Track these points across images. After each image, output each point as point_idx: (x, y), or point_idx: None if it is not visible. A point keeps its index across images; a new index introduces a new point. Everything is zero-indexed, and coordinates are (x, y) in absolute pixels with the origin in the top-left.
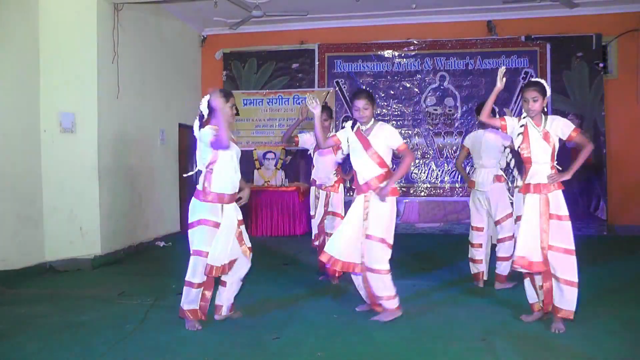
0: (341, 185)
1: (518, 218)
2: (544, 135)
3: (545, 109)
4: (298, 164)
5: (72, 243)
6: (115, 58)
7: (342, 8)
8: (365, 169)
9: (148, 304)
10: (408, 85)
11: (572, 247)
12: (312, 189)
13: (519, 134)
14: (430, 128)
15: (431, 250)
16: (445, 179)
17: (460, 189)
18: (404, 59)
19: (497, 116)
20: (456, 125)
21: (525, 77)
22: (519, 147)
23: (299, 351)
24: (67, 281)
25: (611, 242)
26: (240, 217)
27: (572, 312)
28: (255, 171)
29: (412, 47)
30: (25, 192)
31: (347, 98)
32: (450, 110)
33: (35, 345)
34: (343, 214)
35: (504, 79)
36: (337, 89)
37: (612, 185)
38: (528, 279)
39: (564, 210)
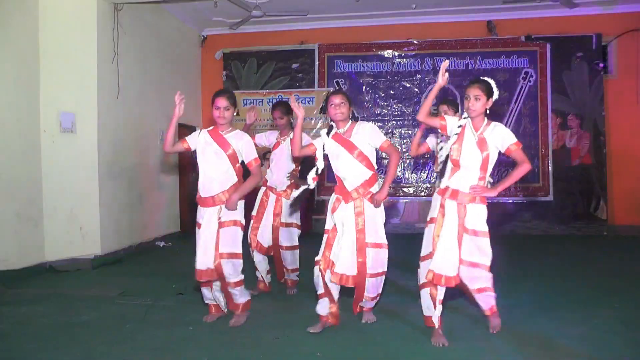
0: (294, 191)
1: (431, 220)
2: (478, 141)
3: (488, 112)
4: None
5: (72, 243)
6: (115, 58)
7: (342, 8)
8: (352, 174)
9: (148, 304)
10: (408, 85)
11: (486, 262)
12: (262, 188)
13: (454, 134)
14: (430, 128)
15: None
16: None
17: None
18: (404, 59)
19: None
20: None
21: (526, 77)
22: (450, 147)
23: (299, 351)
24: (67, 281)
25: (611, 242)
26: (228, 217)
27: (494, 306)
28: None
29: (412, 47)
30: (25, 192)
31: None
32: None
33: (35, 345)
34: (299, 223)
35: (447, 75)
36: (337, 89)
37: (612, 185)
38: (427, 289)
39: (481, 226)
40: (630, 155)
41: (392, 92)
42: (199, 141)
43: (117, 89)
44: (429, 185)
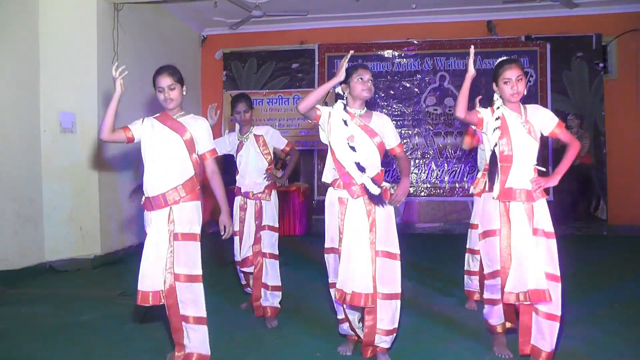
0: (274, 192)
1: (490, 233)
2: (528, 127)
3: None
4: (298, 164)
5: (72, 243)
6: (115, 58)
7: (342, 8)
8: (370, 164)
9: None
10: (408, 85)
11: (558, 272)
12: (237, 198)
13: (495, 129)
14: (430, 128)
15: (431, 250)
16: (445, 179)
17: (460, 189)
18: (404, 59)
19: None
20: (456, 125)
21: (526, 77)
22: (495, 144)
23: (298, 351)
24: (67, 281)
25: (611, 242)
26: (185, 229)
27: (553, 351)
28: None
29: (412, 47)
30: (25, 192)
31: None
32: (450, 110)
33: (35, 345)
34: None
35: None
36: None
37: (612, 185)
38: (501, 305)
39: (550, 226)
40: (631, 155)
41: (392, 92)
42: (145, 130)
43: None
44: (429, 185)
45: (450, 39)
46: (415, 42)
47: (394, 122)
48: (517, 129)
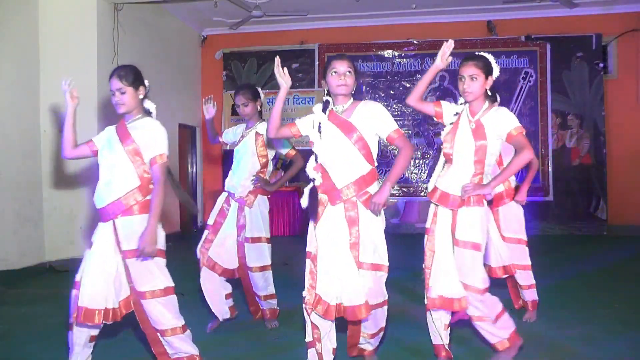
0: (260, 198)
1: (426, 231)
2: (475, 128)
3: (489, 95)
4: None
5: (72, 243)
6: (115, 58)
7: (342, 8)
8: (345, 166)
9: None
10: (408, 85)
11: (480, 285)
12: (223, 194)
13: (450, 123)
14: (431, 128)
15: None
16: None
17: None
18: (404, 59)
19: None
20: None
21: (525, 77)
22: (442, 138)
23: (298, 351)
24: (67, 281)
25: (611, 242)
26: (130, 246)
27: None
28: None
29: (412, 47)
30: (25, 192)
31: None
32: None
33: (36, 345)
34: (269, 236)
35: (450, 59)
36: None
37: (612, 185)
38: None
39: (475, 236)
40: (630, 155)
41: (392, 92)
42: (102, 139)
43: None
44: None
45: (450, 39)
46: (415, 42)
47: None
48: (464, 129)
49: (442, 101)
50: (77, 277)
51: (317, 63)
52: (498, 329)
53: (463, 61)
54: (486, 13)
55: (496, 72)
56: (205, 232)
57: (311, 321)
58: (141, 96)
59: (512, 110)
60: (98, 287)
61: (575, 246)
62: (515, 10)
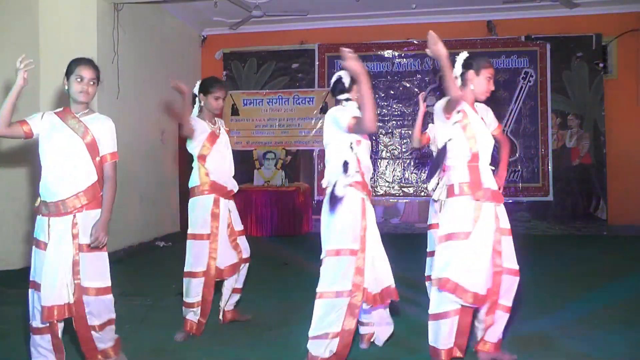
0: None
1: (451, 236)
2: (485, 125)
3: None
4: (298, 164)
5: None
6: (115, 58)
7: (342, 8)
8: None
9: (148, 304)
10: (408, 85)
11: (517, 266)
12: (209, 197)
13: (455, 123)
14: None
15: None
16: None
17: None
18: (404, 59)
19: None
20: None
21: (525, 77)
22: (463, 138)
23: (298, 351)
24: None
25: (611, 242)
26: (86, 240)
27: (500, 340)
28: (255, 171)
29: (412, 47)
30: (25, 192)
31: None
32: None
33: None
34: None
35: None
36: None
37: (612, 185)
38: (457, 317)
39: (508, 223)
40: (630, 155)
41: (392, 92)
42: (43, 126)
43: (117, 89)
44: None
45: (450, 39)
46: (415, 42)
47: (393, 122)
48: (480, 126)
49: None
50: (32, 277)
51: (317, 63)
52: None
53: (484, 62)
54: (486, 13)
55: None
56: (207, 242)
57: (347, 312)
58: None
59: (512, 110)
60: (54, 284)
61: (575, 246)
62: (515, 10)
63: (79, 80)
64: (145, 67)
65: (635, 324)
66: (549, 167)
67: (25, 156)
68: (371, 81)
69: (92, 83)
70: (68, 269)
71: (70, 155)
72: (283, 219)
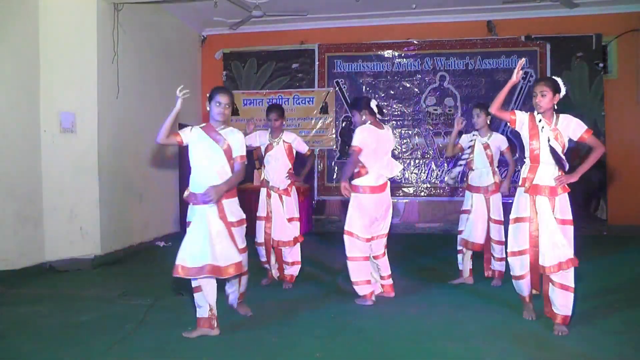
0: (293, 189)
1: (519, 219)
2: (554, 134)
3: (556, 107)
4: (298, 164)
5: (72, 243)
6: (115, 58)
7: (342, 8)
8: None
9: (148, 304)
10: (408, 85)
11: (572, 250)
12: (262, 190)
13: (539, 129)
14: (430, 128)
15: (431, 250)
16: (445, 179)
17: (460, 189)
18: (404, 59)
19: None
20: None
21: (525, 77)
22: (528, 143)
23: (298, 351)
24: (67, 281)
25: (611, 242)
26: (232, 218)
27: (569, 316)
28: (255, 171)
29: (412, 47)
30: (25, 192)
31: (347, 98)
32: (450, 110)
33: (35, 345)
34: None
35: (521, 72)
36: (337, 89)
37: (612, 185)
38: (525, 280)
39: (569, 215)
40: (630, 155)
41: (392, 92)
42: (192, 137)
43: (117, 88)
44: (429, 185)
45: (450, 39)
46: (415, 42)
47: (393, 122)
48: (546, 135)
49: (516, 110)
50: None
51: (317, 63)
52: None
53: (536, 81)
54: (486, 13)
55: (563, 91)
56: (260, 222)
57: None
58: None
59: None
60: (197, 250)
61: (575, 246)
62: (515, 10)
63: (217, 105)
64: (145, 67)
65: (635, 324)
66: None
67: (26, 156)
68: (371, 81)
69: (227, 107)
70: (207, 239)
71: (212, 159)
72: None
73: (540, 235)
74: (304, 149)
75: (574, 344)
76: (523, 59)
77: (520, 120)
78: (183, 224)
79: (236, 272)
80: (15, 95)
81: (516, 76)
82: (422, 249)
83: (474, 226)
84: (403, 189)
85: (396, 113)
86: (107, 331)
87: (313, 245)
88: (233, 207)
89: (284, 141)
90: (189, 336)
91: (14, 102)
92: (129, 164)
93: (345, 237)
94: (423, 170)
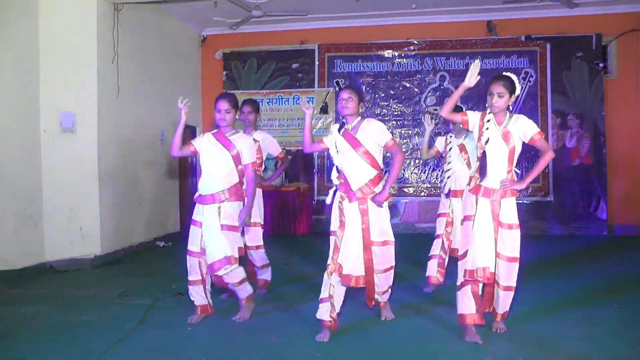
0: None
1: (466, 218)
2: (503, 134)
3: (511, 108)
4: (298, 164)
5: (72, 243)
6: (115, 58)
7: (342, 8)
8: (357, 173)
9: (148, 304)
10: (408, 85)
11: (517, 255)
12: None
13: (486, 128)
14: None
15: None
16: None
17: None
18: (404, 59)
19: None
20: None
21: (526, 77)
22: (477, 145)
23: (298, 351)
24: (67, 281)
25: (611, 242)
26: (228, 222)
27: (507, 312)
28: None
29: (412, 47)
30: (25, 192)
31: None
32: None
33: (35, 346)
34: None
35: (478, 77)
36: (337, 89)
37: (612, 185)
38: (469, 286)
39: (514, 219)
40: (630, 155)
41: (392, 92)
42: (203, 143)
43: (117, 89)
44: (429, 185)
45: (450, 39)
46: (415, 42)
47: (393, 122)
48: (494, 135)
49: (467, 111)
50: (188, 246)
51: (317, 63)
52: (509, 300)
53: (493, 80)
54: (486, 13)
55: (518, 90)
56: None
57: (330, 282)
58: (237, 117)
59: (512, 111)
60: (198, 245)
61: (575, 246)
62: (515, 10)
63: (217, 111)
64: (145, 67)
65: (635, 324)
66: (549, 167)
67: (26, 156)
68: (371, 81)
69: (227, 112)
70: (200, 238)
71: (222, 164)
72: (283, 219)
73: (474, 236)
74: (275, 151)
75: (574, 344)
76: (477, 61)
77: (473, 121)
78: (183, 224)
79: (220, 267)
80: (15, 96)
81: (469, 80)
82: (422, 249)
83: (454, 232)
84: (403, 189)
85: (396, 113)
86: (107, 331)
87: (314, 245)
88: (232, 210)
89: (254, 139)
90: (191, 321)
91: (14, 102)
92: (129, 164)
93: (393, 247)
94: (423, 170)
